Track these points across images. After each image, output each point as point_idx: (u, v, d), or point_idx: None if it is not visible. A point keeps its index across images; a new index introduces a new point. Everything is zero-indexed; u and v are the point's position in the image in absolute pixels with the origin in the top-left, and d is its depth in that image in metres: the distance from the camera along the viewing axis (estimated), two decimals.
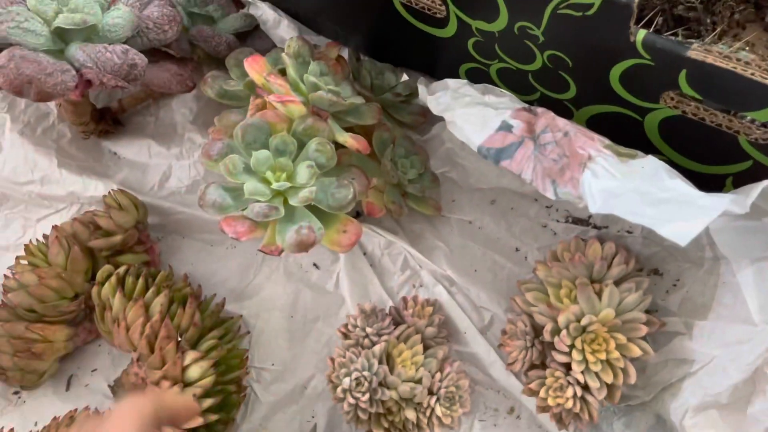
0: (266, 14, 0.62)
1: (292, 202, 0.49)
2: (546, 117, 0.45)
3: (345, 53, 0.61)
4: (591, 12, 0.42)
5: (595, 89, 0.49)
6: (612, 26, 0.43)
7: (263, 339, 0.59)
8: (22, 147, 0.65)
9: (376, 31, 0.62)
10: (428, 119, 0.61)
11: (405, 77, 0.63)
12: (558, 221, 0.58)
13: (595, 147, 0.42)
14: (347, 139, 0.51)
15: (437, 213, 0.59)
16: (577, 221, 0.58)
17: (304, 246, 0.47)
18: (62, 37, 0.51)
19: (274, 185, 0.48)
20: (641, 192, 0.38)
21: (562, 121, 0.44)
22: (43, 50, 0.50)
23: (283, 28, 0.62)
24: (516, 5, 0.46)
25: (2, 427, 0.54)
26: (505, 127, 0.47)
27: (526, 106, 0.48)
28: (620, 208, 0.37)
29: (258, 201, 0.48)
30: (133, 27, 0.53)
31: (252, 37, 0.65)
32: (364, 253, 0.60)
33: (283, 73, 0.53)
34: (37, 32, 0.50)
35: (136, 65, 0.52)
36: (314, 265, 0.61)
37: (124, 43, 0.53)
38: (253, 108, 0.53)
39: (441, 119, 0.60)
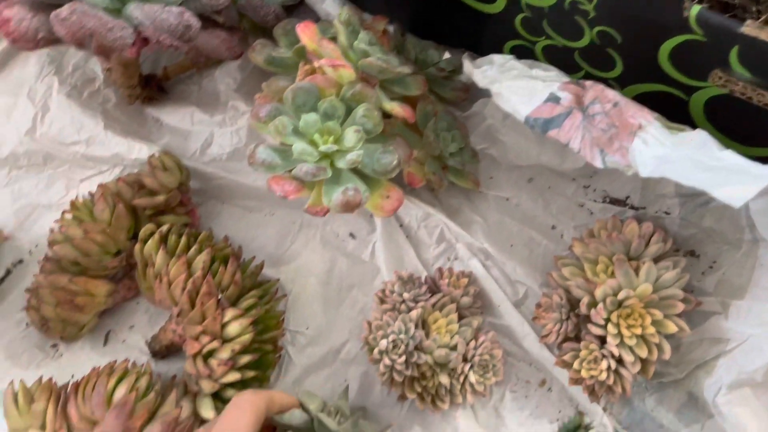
0: None
1: (339, 164, 0.49)
2: (595, 89, 0.46)
3: (390, 29, 0.62)
4: None
5: (643, 67, 0.50)
6: (666, 1, 0.44)
7: (299, 304, 0.60)
8: (69, 109, 0.67)
9: (421, 8, 0.62)
10: (470, 96, 0.62)
11: (447, 55, 0.64)
12: (595, 201, 0.59)
13: (646, 117, 0.42)
14: (394, 107, 0.51)
15: (476, 187, 0.60)
16: (614, 201, 0.58)
17: (350, 206, 0.48)
18: None
19: (322, 147, 0.49)
20: (693, 159, 0.38)
21: (611, 93, 0.45)
22: (102, 8, 0.51)
23: (328, 3, 0.63)
24: None
25: (41, 376, 0.55)
26: (553, 99, 0.47)
27: (574, 80, 0.49)
28: (672, 172, 0.38)
29: (306, 162, 0.49)
30: None
31: (298, 10, 0.66)
32: (401, 225, 0.61)
33: (332, 41, 0.54)
34: None
35: (191, 26, 0.53)
36: (350, 235, 0.62)
37: (179, 5, 0.55)
38: (302, 74, 0.54)
39: (482, 96, 0.61)
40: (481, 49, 0.62)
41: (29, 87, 0.69)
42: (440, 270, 0.57)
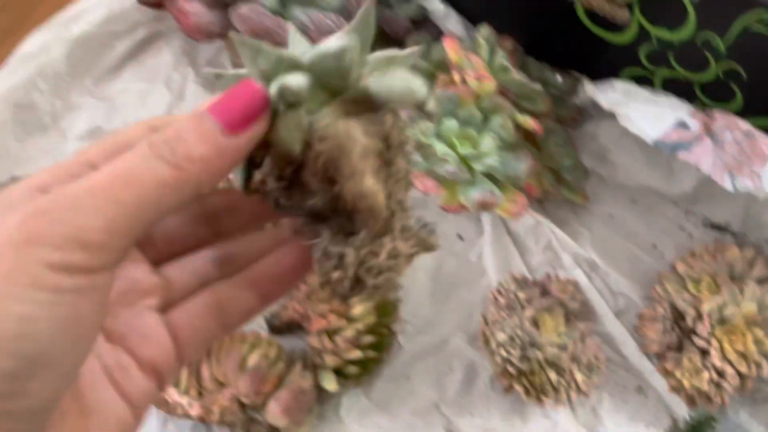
0: (437, 7, 0.68)
1: (476, 167, 0.54)
2: (726, 119, 0.50)
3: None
4: None
5: (762, 103, 0.54)
6: None
7: (409, 295, 0.64)
8: (204, 97, 0.72)
9: (541, 30, 0.67)
10: (582, 116, 0.66)
11: (559, 78, 0.68)
12: (695, 225, 0.62)
13: None
14: (526, 119, 0.56)
15: (586, 201, 0.64)
16: (714, 227, 0.62)
17: (487, 205, 0.53)
18: (283, 1, 0.58)
19: (462, 151, 0.54)
20: None
21: (743, 123, 0.49)
22: (269, 9, 0.57)
23: (451, 22, 0.68)
24: (706, 17, 0.51)
25: None
26: (681, 125, 0.51)
27: (700, 109, 0.53)
28: None
29: (446, 162, 0.54)
30: (342, 2, 0.60)
31: (423, 25, 0.71)
32: (508, 233, 0.65)
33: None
34: None
35: None
36: (458, 236, 0.66)
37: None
38: (441, 84, 0.59)
39: (594, 118, 0.66)
40: (595, 74, 0.66)
41: (165, 75, 0.75)
42: (548, 275, 0.61)
